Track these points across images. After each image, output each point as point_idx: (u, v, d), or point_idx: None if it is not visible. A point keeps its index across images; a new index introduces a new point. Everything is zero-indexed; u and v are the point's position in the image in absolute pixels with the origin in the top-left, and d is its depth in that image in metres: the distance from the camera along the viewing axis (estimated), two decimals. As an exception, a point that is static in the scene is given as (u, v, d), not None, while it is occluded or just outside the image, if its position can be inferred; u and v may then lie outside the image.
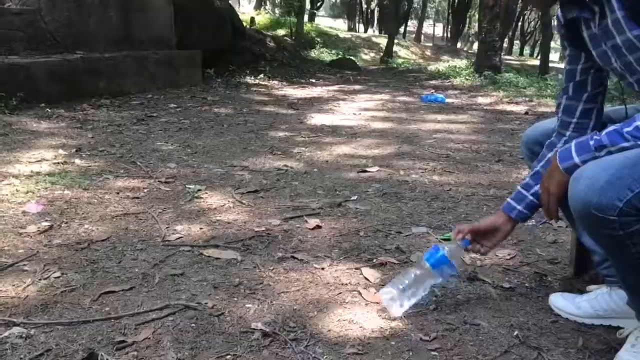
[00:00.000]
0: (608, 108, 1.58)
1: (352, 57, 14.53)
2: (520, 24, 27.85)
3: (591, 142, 1.20)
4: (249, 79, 8.80)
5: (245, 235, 2.20)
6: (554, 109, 1.58)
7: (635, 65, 1.21)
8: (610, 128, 1.19)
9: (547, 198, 1.34)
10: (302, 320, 1.54)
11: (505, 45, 21.92)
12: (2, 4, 5.92)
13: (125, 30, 6.80)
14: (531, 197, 1.52)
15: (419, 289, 1.58)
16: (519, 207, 1.53)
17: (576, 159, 1.22)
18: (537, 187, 1.49)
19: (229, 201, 2.66)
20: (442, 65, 14.06)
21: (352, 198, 2.74)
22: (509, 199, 1.57)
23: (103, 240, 2.10)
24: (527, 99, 7.45)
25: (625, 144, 1.16)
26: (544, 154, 1.55)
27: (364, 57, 17.65)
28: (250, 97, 7.00)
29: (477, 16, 16.50)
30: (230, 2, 12.28)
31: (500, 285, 1.79)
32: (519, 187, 1.56)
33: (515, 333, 1.48)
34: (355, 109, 6.34)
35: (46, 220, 2.28)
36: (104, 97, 5.88)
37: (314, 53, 14.67)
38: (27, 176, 2.93)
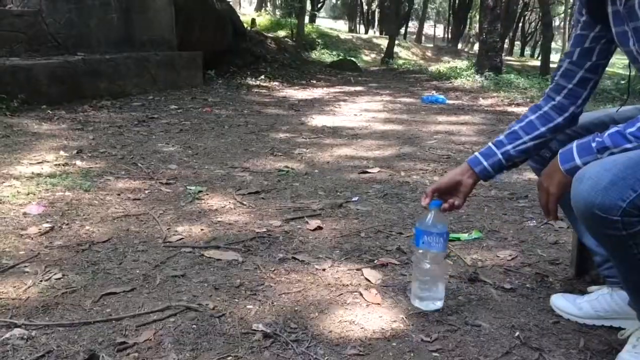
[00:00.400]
0: (610, 109, 1.58)
1: (352, 58, 14.54)
2: (521, 24, 27.85)
3: (593, 144, 1.19)
4: (250, 81, 8.80)
5: (246, 236, 2.20)
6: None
7: None
8: (613, 129, 1.18)
9: (546, 198, 1.33)
10: (303, 321, 1.54)
11: (506, 46, 21.92)
12: (3, 5, 5.93)
13: (126, 32, 6.81)
14: (500, 156, 1.47)
15: (434, 271, 1.57)
16: (485, 163, 1.49)
17: (578, 161, 1.22)
18: (509, 147, 1.47)
19: (229, 202, 2.66)
20: (443, 66, 14.06)
21: (353, 199, 2.74)
22: (476, 153, 1.51)
23: (104, 242, 2.10)
24: (528, 99, 7.45)
25: (628, 145, 1.15)
26: (526, 114, 1.51)
27: (365, 58, 17.65)
28: (251, 99, 7.01)
29: (477, 17, 16.50)
30: (231, 3, 12.29)
31: (501, 286, 1.79)
32: (490, 143, 1.51)
33: (517, 334, 1.48)
34: (356, 110, 6.34)
35: (47, 222, 2.29)
36: (104, 99, 5.89)
37: (314, 54, 14.69)
38: (28, 178, 2.93)
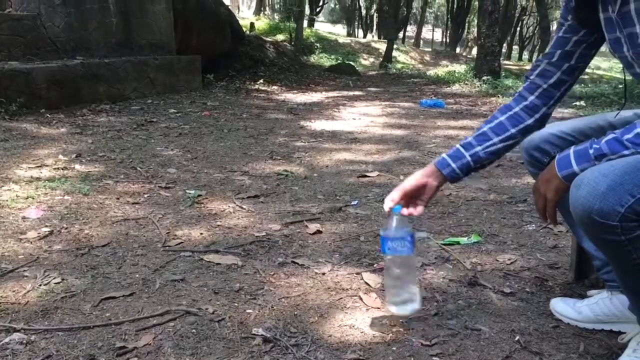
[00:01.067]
0: (608, 113, 1.58)
1: (351, 63, 14.55)
2: (519, 29, 27.93)
3: (590, 151, 1.20)
4: (249, 85, 8.81)
5: (245, 240, 2.20)
6: (553, 114, 1.56)
7: None
8: (610, 136, 1.19)
9: (543, 203, 1.33)
10: (303, 325, 1.53)
11: (504, 50, 21.98)
12: (2, 9, 5.94)
13: (125, 36, 6.82)
14: (469, 159, 1.44)
15: (404, 275, 1.54)
16: (453, 165, 1.45)
17: (575, 167, 1.22)
18: (478, 149, 1.44)
19: (229, 206, 2.66)
20: (442, 70, 14.08)
21: (353, 203, 2.74)
22: (444, 155, 1.47)
23: (103, 246, 2.10)
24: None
25: (625, 152, 1.15)
26: (495, 115, 1.49)
27: (364, 62, 17.68)
28: (250, 103, 7.01)
29: (476, 21, 16.55)
30: (229, 7, 12.31)
31: (501, 290, 1.79)
32: (458, 145, 1.47)
33: (517, 338, 1.48)
34: (355, 114, 6.35)
35: (46, 226, 2.28)
36: (103, 103, 5.89)
37: (313, 58, 14.70)
38: (27, 182, 2.93)
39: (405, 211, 1.48)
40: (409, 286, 1.55)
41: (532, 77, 1.47)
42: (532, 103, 1.46)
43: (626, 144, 1.15)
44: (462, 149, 1.46)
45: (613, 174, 1.11)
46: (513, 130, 1.45)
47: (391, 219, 1.50)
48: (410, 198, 1.48)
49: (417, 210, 1.48)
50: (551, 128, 1.59)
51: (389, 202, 1.46)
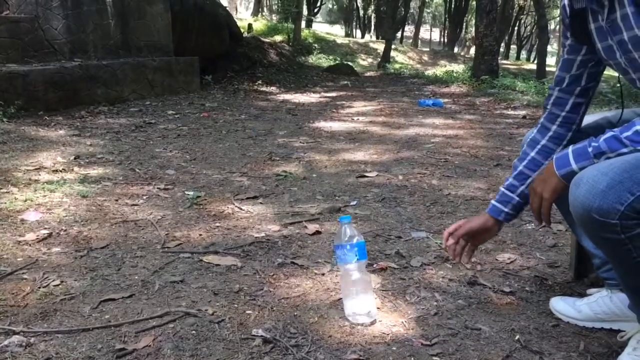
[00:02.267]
0: (607, 112, 1.58)
1: (349, 63, 14.55)
2: (516, 28, 27.96)
3: (589, 149, 1.20)
4: (247, 85, 8.81)
5: (244, 241, 2.20)
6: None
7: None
8: (608, 134, 1.19)
9: (538, 203, 1.33)
10: (303, 326, 1.53)
11: (502, 49, 22.00)
12: (0, 12, 5.93)
13: (123, 38, 6.81)
14: (517, 198, 1.51)
15: (358, 284, 1.57)
16: (505, 210, 1.52)
17: (574, 166, 1.22)
18: (522, 188, 1.50)
19: (228, 207, 2.66)
20: (440, 70, 14.10)
21: (352, 203, 2.74)
22: (494, 202, 1.55)
23: (102, 248, 2.10)
24: (524, 103, 7.47)
25: (624, 150, 1.15)
26: (525, 151, 1.54)
27: (362, 62, 17.68)
28: (248, 103, 7.01)
29: (473, 21, 16.55)
30: (227, 8, 12.32)
31: (500, 289, 1.79)
32: (502, 189, 1.55)
33: (517, 337, 1.48)
34: (353, 114, 6.35)
35: (45, 228, 2.28)
36: (102, 104, 5.89)
37: (311, 59, 14.70)
38: (25, 184, 2.93)
39: (463, 259, 1.59)
40: (366, 295, 1.56)
41: (549, 107, 1.52)
42: (556, 133, 1.50)
43: (625, 142, 1.15)
44: (508, 192, 1.53)
45: (612, 172, 1.11)
46: (546, 162, 1.48)
47: (340, 228, 1.57)
48: (470, 237, 1.57)
49: (468, 260, 1.62)
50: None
51: (449, 234, 1.57)
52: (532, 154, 1.52)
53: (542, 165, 1.49)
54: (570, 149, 1.24)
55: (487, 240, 1.64)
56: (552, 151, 1.49)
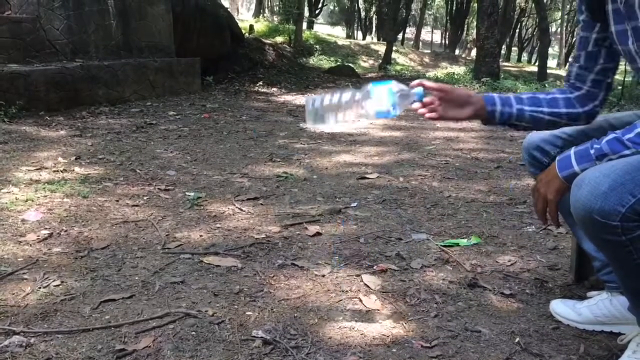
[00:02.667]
0: (608, 114, 1.58)
1: (350, 64, 14.55)
2: (517, 30, 27.97)
3: (591, 151, 1.20)
4: (248, 87, 8.81)
5: (245, 242, 2.20)
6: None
7: None
8: (611, 135, 1.19)
9: (542, 205, 1.32)
10: (303, 327, 1.53)
11: (503, 51, 22.00)
12: (1, 12, 5.94)
13: (125, 38, 6.82)
14: (515, 111, 1.40)
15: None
16: (498, 108, 1.39)
17: (576, 168, 1.22)
18: (527, 108, 1.40)
19: (228, 208, 2.66)
20: (441, 72, 14.10)
21: (352, 205, 2.74)
22: (495, 94, 1.42)
23: (103, 248, 2.10)
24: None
25: (626, 152, 1.15)
26: (552, 92, 1.47)
27: (363, 64, 17.69)
28: (249, 104, 7.01)
29: (475, 23, 16.56)
30: (229, 9, 12.33)
31: (500, 291, 1.79)
32: (511, 95, 1.44)
33: (517, 340, 1.48)
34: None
35: (45, 229, 2.28)
36: (103, 105, 5.89)
37: (312, 60, 14.71)
38: (26, 184, 2.93)
39: (424, 101, 1.36)
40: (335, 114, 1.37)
41: (572, 80, 1.48)
42: (579, 98, 1.45)
43: (627, 143, 1.15)
44: (513, 99, 1.41)
45: (614, 174, 1.11)
46: (563, 110, 1.44)
47: (407, 93, 1.35)
48: (444, 98, 1.37)
49: (433, 113, 1.38)
50: (551, 128, 1.59)
51: (419, 85, 1.37)
52: (558, 95, 1.46)
53: (558, 109, 1.43)
54: (572, 150, 1.25)
55: (458, 118, 1.40)
56: (574, 107, 1.44)
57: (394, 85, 1.34)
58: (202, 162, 3.67)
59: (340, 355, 1.39)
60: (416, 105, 1.37)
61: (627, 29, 1.24)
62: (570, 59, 1.50)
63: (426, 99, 1.36)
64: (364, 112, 1.35)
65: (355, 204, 2.75)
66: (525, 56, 30.59)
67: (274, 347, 1.43)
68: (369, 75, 13.77)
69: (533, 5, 18.41)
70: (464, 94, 1.40)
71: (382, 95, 1.33)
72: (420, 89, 1.35)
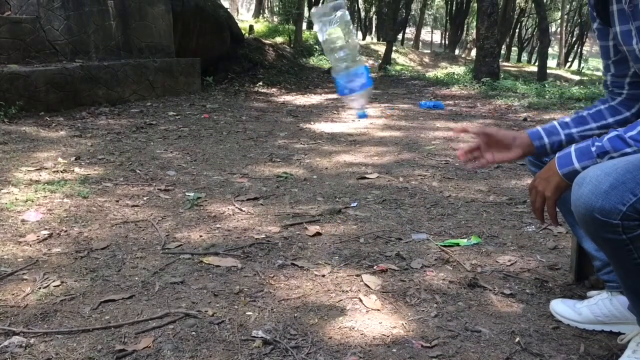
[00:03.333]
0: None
1: (350, 64, 14.52)
2: (517, 30, 27.97)
3: (593, 149, 1.19)
4: (248, 87, 8.81)
5: (245, 242, 2.20)
6: (552, 116, 1.55)
7: None
8: (612, 133, 1.18)
9: (541, 202, 1.31)
10: (303, 327, 1.53)
11: (503, 51, 22.00)
12: (1, 12, 5.94)
13: (124, 39, 6.82)
14: (563, 137, 1.41)
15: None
16: (546, 140, 1.41)
17: (577, 165, 1.21)
18: (574, 131, 1.41)
19: (228, 208, 2.66)
20: (441, 72, 14.10)
21: (352, 205, 2.74)
22: (539, 127, 1.43)
23: (103, 249, 2.10)
24: (525, 105, 7.47)
25: (628, 150, 1.15)
26: (596, 104, 1.47)
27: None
28: (249, 105, 7.01)
29: (475, 23, 16.55)
30: (228, 10, 12.33)
31: (501, 291, 1.79)
32: (554, 122, 1.44)
33: (517, 339, 1.48)
34: (354, 116, 6.35)
35: (45, 229, 2.28)
36: (103, 105, 5.90)
37: (312, 60, 14.71)
38: (26, 184, 2.93)
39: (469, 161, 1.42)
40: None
41: (610, 88, 1.47)
42: (622, 103, 1.44)
43: (629, 141, 1.15)
44: (558, 126, 1.42)
45: (616, 172, 1.11)
46: (610, 120, 1.43)
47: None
48: (489, 141, 1.41)
49: (481, 161, 1.43)
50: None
51: (460, 132, 1.43)
52: (601, 106, 1.45)
53: (605, 120, 1.42)
54: (572, 147, 1.24)
55: (506, 160, 1.43)
56: (620, 112, 1.43)
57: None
58: (202, 163, 3.67)
59: (340, 355, 1.39)
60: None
61: (632, 29, 1.23)
62: (602, 69, 1.49)
63: (471, 145, 1.41)
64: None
65: (355, 204, 2.75)
66: (525, 56, 30.60)
67: (274, 347, 1.42)
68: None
69: (533, 5, 18.42)
70: (509, 135, 1.42)
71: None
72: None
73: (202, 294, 1.73)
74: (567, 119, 1.44)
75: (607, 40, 1.40)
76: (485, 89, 9.32)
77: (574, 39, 30.07)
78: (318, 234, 2.30)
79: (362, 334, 1.50)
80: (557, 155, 1.27)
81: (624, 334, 1.45)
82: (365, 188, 3.09)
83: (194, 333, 1.49)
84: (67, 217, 2.45)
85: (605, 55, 1.43)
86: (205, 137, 4.60)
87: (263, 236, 2.27)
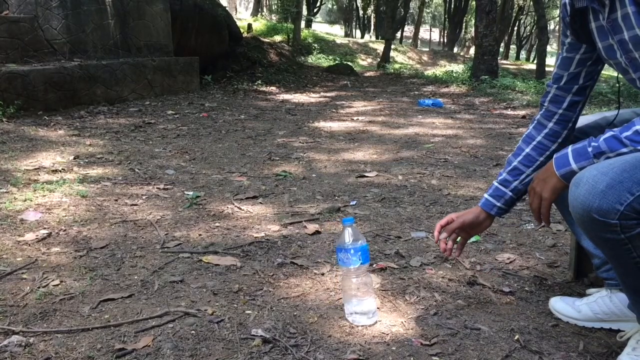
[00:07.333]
0: (606, 112, 1.58)
1: (349, 63, 14.56)
2: (516, 28, 27.97)
3: (589, 149, 1.19)
4: (247, 85, 8.81)
5: (244, 241, 2.20)
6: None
7: None
8: (608, 133, 1.18)
9: (538, 203, 1.32)
10: (303, 326, 1.53)
11: (501, 49, 22.00)
12: (0, 12, 5.93)
13: (123, 38, 6.81)
14: (510, 194, 1.52)
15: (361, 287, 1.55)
16: (498, 204, 1.53)
17: (574, 166, 1.22)
18: (516, 184, 1.51)
19: (227, 207, 2.66)
20: (439, 70, 14.11)
21: (351, 203, 2.74)
22: (486, 196, 1.55)
23: (102, 248, 2.10)
24: (524, 103, 7.47)
25: (624, 150, 1.15)
26: (520, 147, 1.54)
27: (361, 62, 17.69)
28: (247, 103, 7.01)
29: (473, 21, 16.55)
30: (227, 8, 12.32)
31: (500, 289, 1.79)
32: (495, 183, 1.55)
33: (516, 337, 1.48)
34: (353, 114, 6.35)
35: (44, 228, 2.28)
36: (101, 104, 5.89)
37: (311, 59, 14.71)
38: (25, 184, 2.92)
39: (452, 252, 1.58)
40: (364, 298, 1.55)
41: (546, 104, 1.51)
42: (552, 130, 1.50)
43: (625, 141, 1.15)
44: (501, 187, 1.53)
45: (612, 172, 1.11)
46: (541, 159, 1.50)
47: (345, 231, 1.55)
48: (462, 230, 1.57)
49: (459, 254, 1.63)
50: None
51: (441, 227, 1.57)
52: (527, 149, 1.52)
53: (536, 162, 1.50)
54: (569, 148, 1.24)
55: (477, 234, 1.64)
56: (547, 148, 1.50)
57: (341, 243, 1.55)
58: (200, 161, 3.67)
59: (339, 354, 1.39)
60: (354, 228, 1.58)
61: (613, 43, 1.26)
62: (547, 83, 1.54)
63: (442, 245, 1.58)
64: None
65: (354, 203, 2.75)
66: (523, 54, 30.62)
67: (274, 345, 1.42)
68: (368, 73, 13.77)
69: (531, 3, 18.42)
70: (471, 215, 1.56)
71: (346, 257, 1.55)
72: (346, 219, 1.56)
73: (201, 292, 1.73)
74: (504, 175, 1.55)
75: (577, 54, 1.43)
76: (484, 86, 9.33)
77: (572, 36, 29.95)
78: (317, 232, 2.30)
79: (361, 332, 1.50)
80: (554, 156, 1.28)
81: (623, 331, 1.45)
82: (364, 186, 3.09)
83: (193, 332, 1.49)
84: (66, 216, 2.45)
85: (564, 66, 1.46)
86: (204, 136, 4.60)
87: (262, 235, 2.27)
